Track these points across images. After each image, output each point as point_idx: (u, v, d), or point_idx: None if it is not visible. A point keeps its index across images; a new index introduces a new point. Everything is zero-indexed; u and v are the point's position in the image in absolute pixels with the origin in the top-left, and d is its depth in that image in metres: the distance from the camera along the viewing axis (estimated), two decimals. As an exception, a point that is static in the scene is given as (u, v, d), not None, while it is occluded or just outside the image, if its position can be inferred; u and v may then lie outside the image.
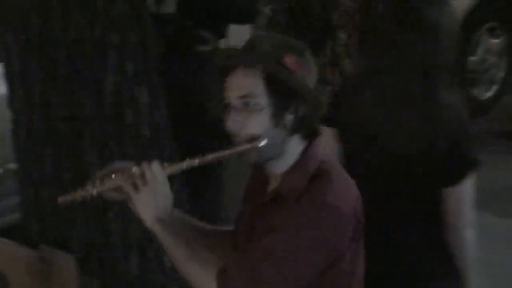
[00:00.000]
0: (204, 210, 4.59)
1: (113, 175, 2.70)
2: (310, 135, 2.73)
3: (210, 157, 2.69)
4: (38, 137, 4.18)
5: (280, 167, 2.71)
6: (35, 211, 4.44)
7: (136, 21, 4.07)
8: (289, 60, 2.62)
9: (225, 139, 2.92)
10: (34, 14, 3.90)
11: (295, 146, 2.71)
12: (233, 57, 2.75)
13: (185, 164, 2.68)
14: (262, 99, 2.61)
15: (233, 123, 2.63)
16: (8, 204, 5.44)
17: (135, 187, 2.63)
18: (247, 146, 2.64)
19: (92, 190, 2.66)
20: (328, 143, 3.25)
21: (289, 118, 2.64)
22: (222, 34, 5.15)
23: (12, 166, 4.82)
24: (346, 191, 2.67)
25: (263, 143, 2.63)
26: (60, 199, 2.74)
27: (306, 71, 2.66)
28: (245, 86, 2.63)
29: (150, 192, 2.64)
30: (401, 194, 3.32)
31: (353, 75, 4.58)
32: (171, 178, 2.66)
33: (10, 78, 4.23)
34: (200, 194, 4.96)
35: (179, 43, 4.97)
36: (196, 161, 2.70)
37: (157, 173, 2.63)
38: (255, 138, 2.61)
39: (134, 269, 4.41)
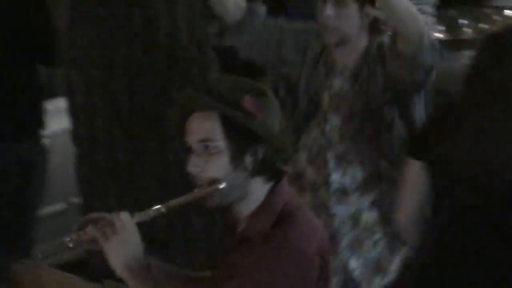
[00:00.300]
0: None
1: (89, 226, 2.74)
2: (274, 177, 2.78)
3: (173, 202, 2.77)
4: (101, 171, 4.32)
5: (245, 209, 2.77)
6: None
7: (199, 55, 4.22)
8: (248, 103, 2.70)
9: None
10: (97, 51, 4.07)
11: (258, 188, 2.78)
12: (191, 102, 2.82)
13: (151, 212, 2.75)
14: (220, 142, 2.68)
15: (194, 166, 2.70)
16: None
17: (105, 235, 2.68)
18: (207, 189, 2.70)
19: (68, 243, 2.69)
20: (416, 176, 3.31)
21: (249, 160, 2.71)
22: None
23: (76, 200, 5.01)
24: (310, 233, 2.74)
25: (222, 185, 2.70)
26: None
27: (267, 113, 2.73)
28: (203, 130, 2.71)
29: (120, 241, 2.71)
30: (495, 231, 3.36)
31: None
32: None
33: (73, 113, 4.36)
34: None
35: (237, 74, 5.04)
36: (162, 208, 2.75)
37: (126, 222, 2.69)
38: (215, 181, 2.68)
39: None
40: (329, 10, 3.54)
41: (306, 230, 2.75)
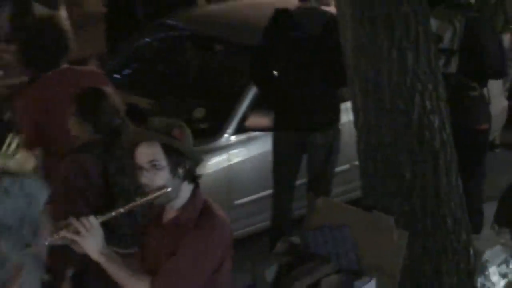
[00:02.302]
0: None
1: (63, 227, 3.61)
2: (194, 180, 3.78)
3: (131, 205, 3.76)
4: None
5: (175, 204, 3.75)
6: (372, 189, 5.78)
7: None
8: (176, 133, 3.68)
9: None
10: (364, 59, 5.45)
11: (185, 189, 3.74)
12: (139, 135, 3.81)
13: (114, 212, 3.74)
14: (163, 161, 3.64)
15: (146, 179, 3.65)
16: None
17: (78, 233, 3.56)
18: (159, 193, 3.67)
19: (44, 241, 3.53)
20: None
21: (181, 171, 3.68)
22: (484, 84, 6.77)
23: (355, 163, 6.28)
24: (224, 221, 3.81)
25: (169, 189, 3.66)
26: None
27: (187, 138, 3.73)
28: (150, 153, 3.64)
29: (91, 236, 3.58)
30: None
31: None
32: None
33: (355, 110, 5.82)
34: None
35: (458, 93, 6.42)
36: (121, 209, 3.76)
37: (93, 222, 3.60)
38: (161, 188, 3.63)
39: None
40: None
41: (221, 219, 3.82)
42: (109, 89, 5.19)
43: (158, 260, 3.69)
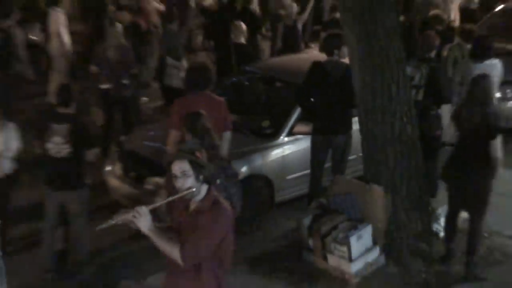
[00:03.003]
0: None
1: (125, 214, 3.58)
2: (209, 182, 3.71)
3: (170, 199, 3.75)
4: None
5: (197, 199, 3.70)
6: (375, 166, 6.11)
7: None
8: (198, 154, 3.70)
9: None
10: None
11: (203, 188, 3.69)
12: (174, 155, 3.75)
13: (158, 204, 3.79)
14: (189, 171, 3.62)
15: (179, 183, 3.62)
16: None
17: (135, 217, 3.54)
18: (188, 191, 3.62)
19: (110, 223, 3.56)
20: None
21: (201, 177, 3.64)
22: (439, 106, 6.87)
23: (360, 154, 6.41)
24: (227, 208, 3.75)
25: (194, 189, 3.63)
26: (98, 228, 3.61)
27: (204, 157, 3.72)
28: (182, 166, 3.63)
29: (142, 219, 3.56)
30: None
31: None
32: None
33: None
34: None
35: (423, 112, 6.64)
36: (164, 202, 3.83)
37: (144, 210, 3.57)
38: (189, 188, 3.60)
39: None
40: None
41: (226, 208, 3.76)
42: (205, 113, 5.26)
43: (186, 233, 3.69)
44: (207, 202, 3.69)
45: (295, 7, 11.84)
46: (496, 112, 5.81)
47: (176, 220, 3.81)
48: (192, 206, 3.71)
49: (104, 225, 3.56)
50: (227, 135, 6.07)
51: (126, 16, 10.54)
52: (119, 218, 3.56)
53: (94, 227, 3.65)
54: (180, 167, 3.62)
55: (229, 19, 10.11)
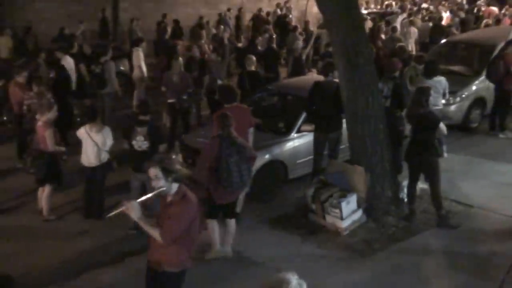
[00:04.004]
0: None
1: (121, 206, 3.41)
2: (179, 181, 3.49)
3: (150, 195, 3.45)
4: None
5: (169, 195, 3.49)
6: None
7: None
8: (167, 162, 3.50)
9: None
10: None
11: (174, 186, 3.48)
12: (150, 163, 3.52)
13: (144, 198, 3.46)
14: (160, 175, 3.43)
15: (153, 184, 3.43)
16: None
17: (128, 209, 3.38)
18: (160, 190, 3.44)
19: (115, 212, 3.41)
20: None
21: (170, 178, 3.44)
22: (402, 110, 6.65)
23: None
24: (193, 199, 3.52)
25: (164, 188, 3.45)
26: (107, 216, 3.48)
27: (174, 164, 3.52)
28: (154, 171, 3.44)
29: (133, 210, 3.38)
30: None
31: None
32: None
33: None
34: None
35: (390, 114, 6.51)
36: (145, 197, 3.47)
37: (134, 204, 3.40)
38: (160, 187, 3.43)
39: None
40: None
41: (193, 199, 3.55)
42: (231, 116, 5.01)
43: (163, 220, 3.50)
44: (177, 196, 3.50)
45: (300, 44, 11.82)
46: (430, 112, 5.82)
47: (161, 209, 3.64)
48: (168, 199, 3.54)
49: (111, 214, 3.44)
50: (251, 130, 5.98)
51: (184, 48, 10.58)
52: (119, 210, 3.41)
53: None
54: (153, 172, 3.45)
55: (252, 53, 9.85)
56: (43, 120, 6.00)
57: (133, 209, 3.35)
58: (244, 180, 4.99)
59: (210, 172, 4.94)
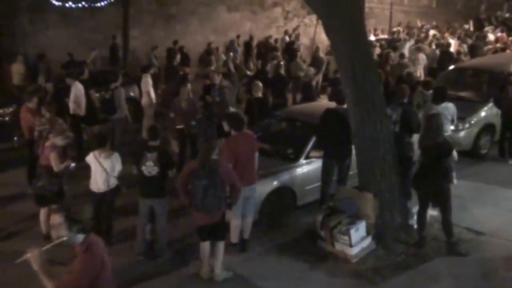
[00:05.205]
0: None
1: (27, 253, 3.18)
2: (85, 232, 3.29)
3: (53, 244, 3.24)
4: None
5: (76, 243, 3.31)
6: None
7: None
8: (74, 212, 3.28)
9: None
10: None
11: (80, 237, 3.27)
12: (55, 210, 3.36)
13: (48, 246, 3.20)
14: (63, 224, 3.25)
15: (56, 233, 3.27)
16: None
17: (31, 257, 3.19)
18: (61, 239, 3.28)
19: (17, 260, 3.22)
20: None
21: (75, 229, 3.27)
22: (411, 136, 6.66)
23: None
24: (96, 251, 3.30)
25: (65, 238, 3.28)
26: (16, 261, 3.24)
27: (83, 215, 3.35)
28: (58, 219, 3.28)
29: (35, 258, 3.20)
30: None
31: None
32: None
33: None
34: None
35: (399, 139, 6.48)
36: (49, 246, 3.23)
37: (35, 252, 3.18)
38: (61, 237, 3.24)
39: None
40: None
41: (95, 251, 3.32)
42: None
43: (66, 272, 3.32)
44: (80, 248, 3.31)
45: (312, 70, 11.91)
46: (445, 140, 5.73)
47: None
48: (75, 249, 3.37)
49: (19, 260, 3.27)
50: (257, 154, 5.98)
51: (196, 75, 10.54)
52: (25, 257, 3.23)
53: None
54: (57, 219, 3.31)
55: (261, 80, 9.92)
56: (50, 141, 6.07)
57: (33, 257, 3.19)
58: (211, 204, 5.00)
59: (186, 195, 5.09)
